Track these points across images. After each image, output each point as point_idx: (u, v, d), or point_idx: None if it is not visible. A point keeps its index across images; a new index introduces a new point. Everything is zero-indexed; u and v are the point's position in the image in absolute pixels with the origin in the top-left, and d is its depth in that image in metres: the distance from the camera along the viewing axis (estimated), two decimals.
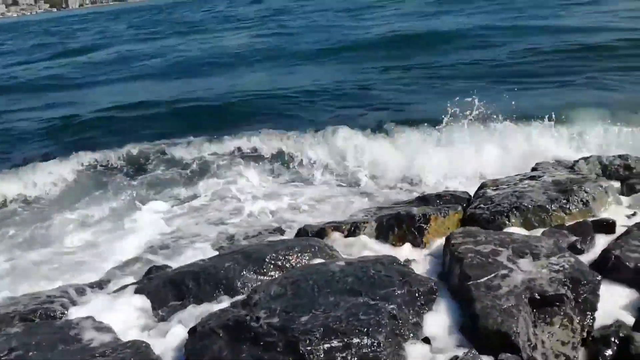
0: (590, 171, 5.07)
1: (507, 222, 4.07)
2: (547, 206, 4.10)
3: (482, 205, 4.34)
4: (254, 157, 7.14)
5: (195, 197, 6.19)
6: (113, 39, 21.92)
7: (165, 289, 3.67)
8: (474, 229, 3.85)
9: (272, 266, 3.63)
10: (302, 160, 6.83)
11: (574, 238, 3.70)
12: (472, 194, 4.89)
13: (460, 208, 4.39)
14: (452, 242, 3.64)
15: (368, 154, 6.59)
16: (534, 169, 5.50)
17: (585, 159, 5.25)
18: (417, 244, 4.05)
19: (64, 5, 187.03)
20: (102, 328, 3.36)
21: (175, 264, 4.50)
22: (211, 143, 7.50)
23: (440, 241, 4.01)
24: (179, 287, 3.61)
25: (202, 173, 6.78)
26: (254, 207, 5.55)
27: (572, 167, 5.23)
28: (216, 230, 5.10)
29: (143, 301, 3.60)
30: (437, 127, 7.25)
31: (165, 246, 4.84)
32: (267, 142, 7.54)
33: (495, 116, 7.16)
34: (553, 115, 6.91)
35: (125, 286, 3.90)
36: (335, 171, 6.51)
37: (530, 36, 13.72)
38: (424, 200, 4.85)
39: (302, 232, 4.52)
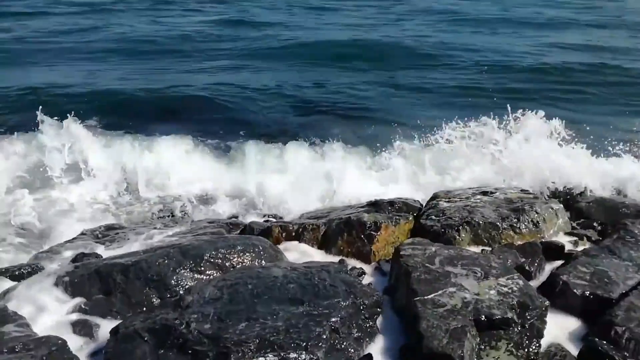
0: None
1: (457, 237, 3.99)
2: (498, 224, 4.05)
3: (433, 217, 4.25)
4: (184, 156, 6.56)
5: (129, 185, 5.72)
6: (50, 6, 20.32)
7: (90, 281, 3.36)
8: (425, 241, 3.74)
9: (210, 265, 3.38)
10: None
11: (522, 259, 3.65)
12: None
13: (411, 217, 4.28)
14: (401, 253, 3.51)
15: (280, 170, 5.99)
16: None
17: None
18: (366, 251, 3.89)
19: None
20: (15, 320, 3.05)
21: (108, 251, 4.17)
22: (150, 141, 6.85)
23: (389, 250, 3.89)
24: (106, 280, 3.32)
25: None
26: (195, 198, 5.20)
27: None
28: (153, 219, 4.78)
29: (64, 293, 3.29)
30: (374, 148, 6.71)
31: (96, 231, 4.47)
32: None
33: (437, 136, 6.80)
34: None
35: (48, 274, 3.56)
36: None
37: (482, 54, 13.70)
38: (375, 205, 4.70)
39: (248, 229, 4.30)
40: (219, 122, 8.32)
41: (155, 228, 4.40)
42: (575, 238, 4.11)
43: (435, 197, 4.79)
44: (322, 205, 5.19)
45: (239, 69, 12.19)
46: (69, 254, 4.14)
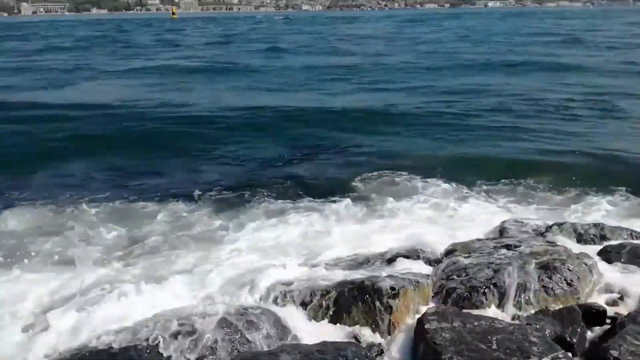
0: (565, 238, 4.70)
1: (484, 301, 3.59)
2: (528, 285, 3.64)
3: (455, 277, 3.85)
4: None
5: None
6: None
7: None
8: (450, 310, 3.35)
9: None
10: None
11: (561, 328, 3.25)
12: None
13: (431, 280, 3.86)
14: (426, 327, 3.11)
15: None
16: (501, 230, 5.11)
17: (559, 225, 4.89)
18: (385, 322, 3.47)
19: (15, 11, 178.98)
20: None
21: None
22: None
23: (410, 321, 3.47)
24: None
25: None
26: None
27: (543, 233, 4.85)
28: None
29: None
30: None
31: None
32: None
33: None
34: None
35: None
36: None
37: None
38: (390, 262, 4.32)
39: None
40: None
41: None
42: (613, 296, 3.71)
43: (452, 251, 4.42)
44: None
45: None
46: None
